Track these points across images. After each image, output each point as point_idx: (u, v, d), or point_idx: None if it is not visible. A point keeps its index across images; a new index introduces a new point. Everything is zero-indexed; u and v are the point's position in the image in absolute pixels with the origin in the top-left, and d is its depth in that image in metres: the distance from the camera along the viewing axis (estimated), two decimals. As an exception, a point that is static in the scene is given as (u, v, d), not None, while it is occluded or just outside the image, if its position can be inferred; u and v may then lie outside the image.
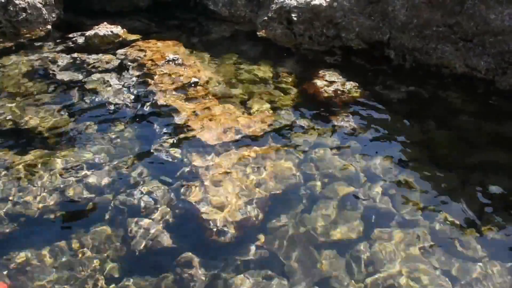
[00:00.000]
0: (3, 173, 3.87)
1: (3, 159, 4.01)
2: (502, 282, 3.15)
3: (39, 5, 6.26)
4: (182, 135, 4.37)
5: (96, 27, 6.17)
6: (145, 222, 3.50)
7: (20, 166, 3.93)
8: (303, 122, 4.64)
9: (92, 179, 3.84)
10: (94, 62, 5.52)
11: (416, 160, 4.21)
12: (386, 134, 4.54)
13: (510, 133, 4.53)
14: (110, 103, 4.82)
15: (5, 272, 3.14)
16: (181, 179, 3.89)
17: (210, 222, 3.48)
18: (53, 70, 5.35)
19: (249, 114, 4.73)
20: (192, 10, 7.19)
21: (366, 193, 3.81)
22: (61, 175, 3.87)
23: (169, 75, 5.27)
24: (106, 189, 3.78)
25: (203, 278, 3.14)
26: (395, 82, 5.27)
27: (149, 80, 5.19)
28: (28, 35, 6.15)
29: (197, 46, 6.14)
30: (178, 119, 4.59)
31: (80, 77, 5.27)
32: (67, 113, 4.67)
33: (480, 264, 3.26)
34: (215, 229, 3.43)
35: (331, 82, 5.16)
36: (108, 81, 5.18)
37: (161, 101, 4.83)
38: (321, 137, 4.45)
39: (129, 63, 5.53)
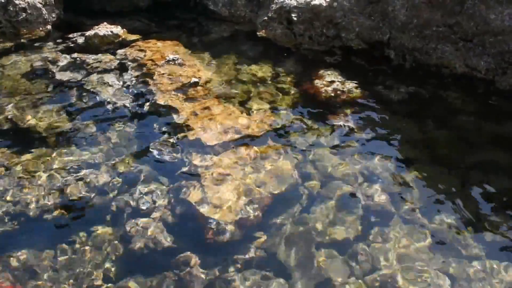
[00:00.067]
0: (3, 172, 3.88)
1: (3, 159, 4.01)
2: (501, 281, 3.15)
3: (39, 5, 6.26)
4: (181, 135, 4.37)
5: (96, 27, 6.16)
6: (144, 221, 3.50)
7: (20, 166, 3.94)
8: (302, 122, 4.64)
9: (91, 179, 3.84)
10: (94, 62, 5.52)
11: (416, 160, 4.20)
12: (386, 134, 4.54)
13: (510, 133, 4.52)
14: (110, 103, 4.82)
15: (4, 272, 3.13)
16: (181, 178, 3.89)
17: (209, 221, 3.48)
18: (53, 70, 5.35)
19: (249, 114, 4.73)
20: (192, 10, 7.19)
21: (365, 192, 3.80)
22: (60, 174, 3.87)
23: (169, 75, 5.27)
24: (106, 189, 3.78)
25: (202, 277, 3.14)
26: (395, 82, 5.27)
27: (149, 80, 5.19)
28: (28, 35, 6.15)
29: (197, 46, 6.14)
30: (178, 119, 4.59)
31: (80, 77, 5.27)
32: (67, 113, 4.67)
33: (479, 263, 3.26)
34: (214, 229, 3.43)
35: (331, 82, 5.16)
36: (108, 81, 5.18)
37: (160, 101, 4.83)
38: (320, 137, 4.45)
39: (129, 63, 5.53)
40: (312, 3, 5.89)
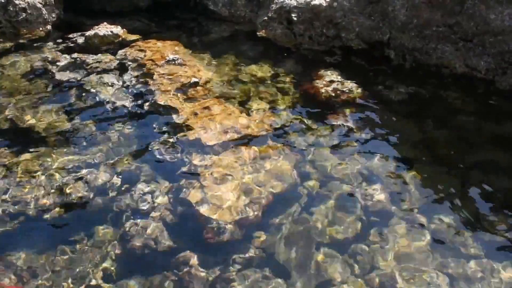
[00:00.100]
0: (2, 172, 3.88)
1: (2, 159, 4.01)
2: (500, 281, 3.15)
3: (39, 5, 6.26)
4: (181, 135, 4.37)
5: (96, 27, 6.16)
6: (144, 221, 3.50)
7: (19, 166, 3.93)
8: (302, 122, 4.64)
9: (91, 179, 3.84)
10: (93, 62, 5.51)
11: (415, 160, 4.20)
12: (386, 134, 4.53)
13: (510, 133, 4.52)
14: (110, 103, 4.82)
15: (4, 271, 3.13)
16: (180, 178, 3.89)
17: (209, 221, 3.48)
18: (53, 70, 5.35)
19: (249, 114, 4.73)
20: (192, 10, 7.18)
21: (364, 192, 3.80)
22: (60, 174, 3.87)
23: (169, 75, 5.27)
24: (105, 189, 3.78)
25: (202, 277, 3.14)
26: (395, 82, 5.26)
27: (149, 80, 5.19)
28: (28, 35, 6.14)
29: (197, 46, 6.14)
30: (178, 119, 4.59)
31: (80, 77, 5.27)
32: (66, 113, 4.67)
33: (479, 263, 3.26)
34: (214, 228, 3.43)
35: (331, 82, 5.16)
36: (107, 81, 5.17)
37: (160, 101, 4.82)
38: (320, 137, 4.44)
39: (129, 63, 5.53)
40: (312, 3, 5.88)
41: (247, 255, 3.29)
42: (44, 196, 3.67)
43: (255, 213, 3.57)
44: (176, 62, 5.48)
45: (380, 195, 3.76)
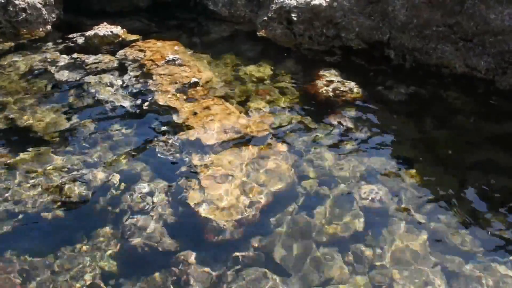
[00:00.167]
0: (2, 172, 3.88)
1: (2, 159, 4.01)
2: (499, 280, 3.14)
3: (39, 5, 6.27)
4: (181, 135, 4.37)
5: (96, 27, 6.17)
6: (143, 220, 3.50)
7: (19, 165, 3.94)
8: (302, 122, 4.64)
9: (90, 178, 3.84)
10: (93, 62, 5.52)
11: (415, 159, 4.20)
12: (385, 133, 4.53)
13: (510, 133, 4.52)
14: (109, 103, 4.82)
15: (4, 271, 3.13)
16: (180, 178, 3.89)
17: (209, 220, 3.47)
18: (53, 70, 5.35)
19: (248, 113, 4.73)
20: (192, 10, 7.19)
21: (363, 192, 3.80)
22: (59, 174, 3.87)
23: (169, 75, 5.27)
24: (105, 188, 3.78)
25: (202, 276, 3.14)
26: (395, 82, 5.26)
27: (149, 80, 5.19)
28: (28, 35, 6.15)
29: (197, 46, 6.14)
30: (178, 119, 4.59)
31: (80, 77, 5.27)
32: (66, 113, 4.67)
33: (477, 262, 3.26)
34: (213, 228, 3.43)
35: (331, 82, 5.16)
36: (107, 81, 5.17)
37: (160, 101, 4.82)
38: (320, 136, 4.44)
39: (128, 63, 5.53)
40: (312, 3, 5.88)
41: (246, 254, 3.29)
42: (44, 195, 3.68)
43: (254, 212, 3.57)
44: (176, 62, 5.48)
45: (379, 195, 3.76)
